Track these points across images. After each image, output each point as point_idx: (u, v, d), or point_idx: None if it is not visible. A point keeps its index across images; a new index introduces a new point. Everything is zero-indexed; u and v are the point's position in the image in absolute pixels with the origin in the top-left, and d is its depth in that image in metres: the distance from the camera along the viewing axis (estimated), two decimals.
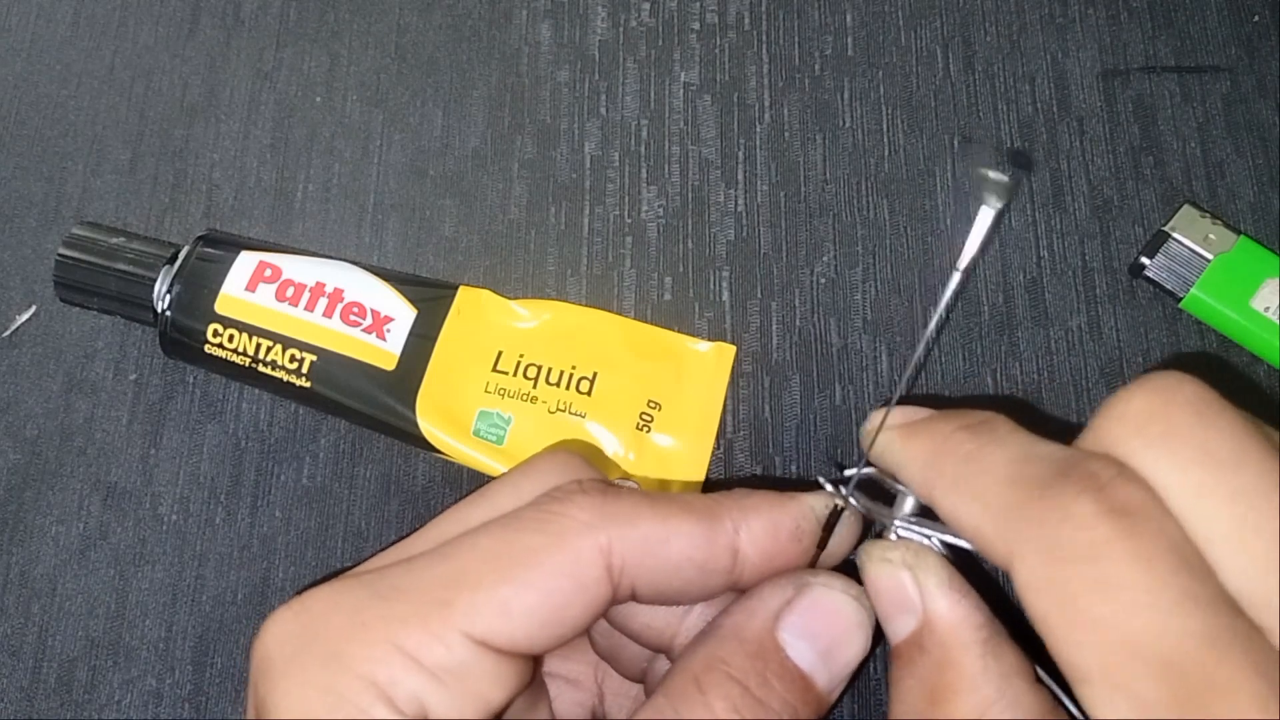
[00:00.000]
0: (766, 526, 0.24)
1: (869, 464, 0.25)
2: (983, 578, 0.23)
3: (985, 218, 0.22)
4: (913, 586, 0.23)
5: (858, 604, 0.24)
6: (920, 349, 0.24)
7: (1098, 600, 0.19)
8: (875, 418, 0.25)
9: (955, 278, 0.23)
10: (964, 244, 0.22)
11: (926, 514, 0.24)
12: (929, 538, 0.23)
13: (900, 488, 0.24)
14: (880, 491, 0.25)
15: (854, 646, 0.24)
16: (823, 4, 0.41)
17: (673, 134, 0.40)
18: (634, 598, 0.24)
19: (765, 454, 0.36)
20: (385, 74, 0.41)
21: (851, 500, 0.25)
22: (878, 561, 0.23)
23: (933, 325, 0.24)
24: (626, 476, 0.35)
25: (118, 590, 0.35)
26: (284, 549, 0.35)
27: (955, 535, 0.23)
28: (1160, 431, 0.20)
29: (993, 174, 0.21)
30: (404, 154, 0.40)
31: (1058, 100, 0.39)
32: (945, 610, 0.22)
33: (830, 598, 0.24)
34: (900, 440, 0.24)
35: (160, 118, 0.41)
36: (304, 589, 0.23)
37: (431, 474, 0.36)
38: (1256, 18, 0.40)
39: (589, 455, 0.34)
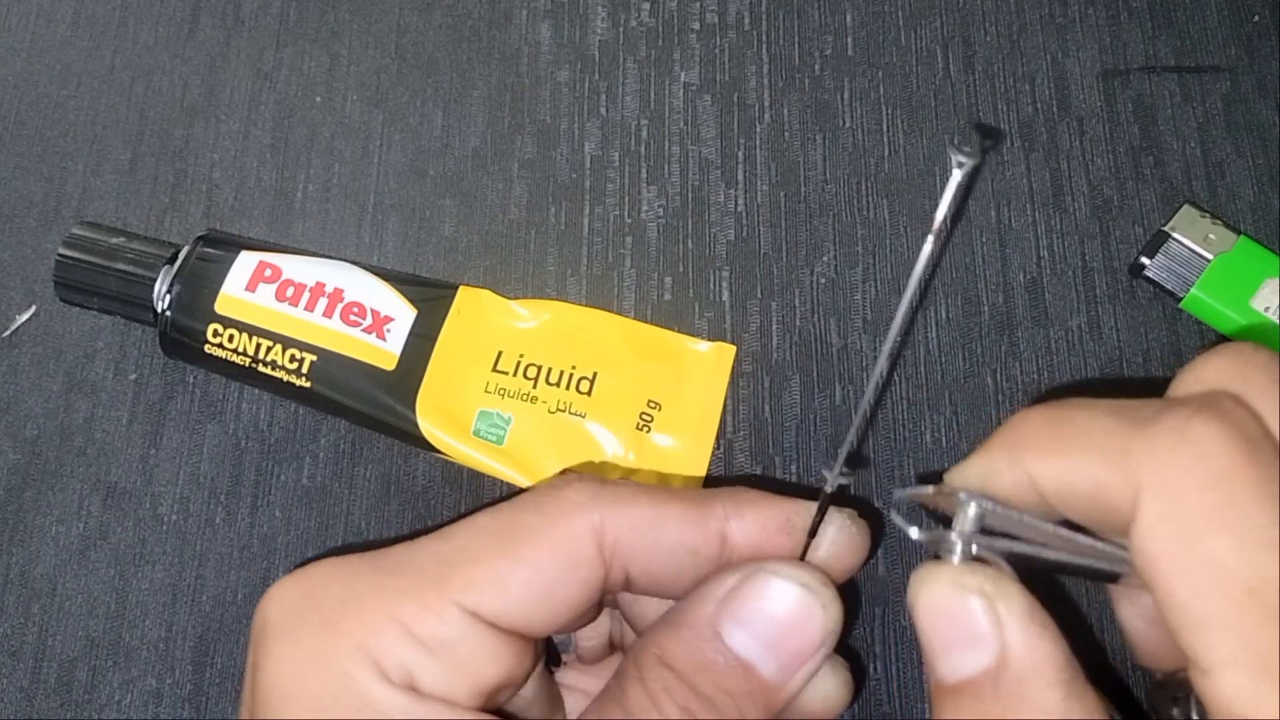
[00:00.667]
0: (757, 517, 0.24)
1: (925, 482, 0.23)
2: (1059, 606, 0.21)
3: (954, 179, 0.21)
4: (987, 617, 0.20)
5: (806, 590, 0.23)
6: (896, 325, 0.22)
7: (1223, 537, 0.17)
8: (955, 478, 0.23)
9: (929, 242, 0.22)
10: (936, 210, 0.21)
11: (987, 530, 0.22)
12: (1010, 549, 0.21)
13: (962, 497, 0.21)
14: (925, 518, 0.24)
15: (804, 635, 0.23)
16: (823, 4, 0.41)
17: (673, 134, 0.40)
18: (628, 584, 0.24)
19: (765, 454, 0.36)
20: (385, 74, 0.41)
21: (893, 514, 0.24)
22: (947, 585, 0.21)
23: (907, 298, 0.23)
24: (627, 477, 0.35)
25: (118, 590, 0.35)
26: (284, 549, 0.35)
27: (1032, 541, 0.20)
28: (1242, 383, 0.19)
29: (961, 142, 0.21)
30: (404, 154, 0.40)
31: (1058, 100, 0.39)
32: (1026, 646, 0.20)
33: (774, 585, 0.23)
34: (984, 462, 0.22)
35: (160, 118, 0.41)
36: (307, 560, 0.24)
37: (431, 474, 0.36)
38: (1256, 18, 0.40)
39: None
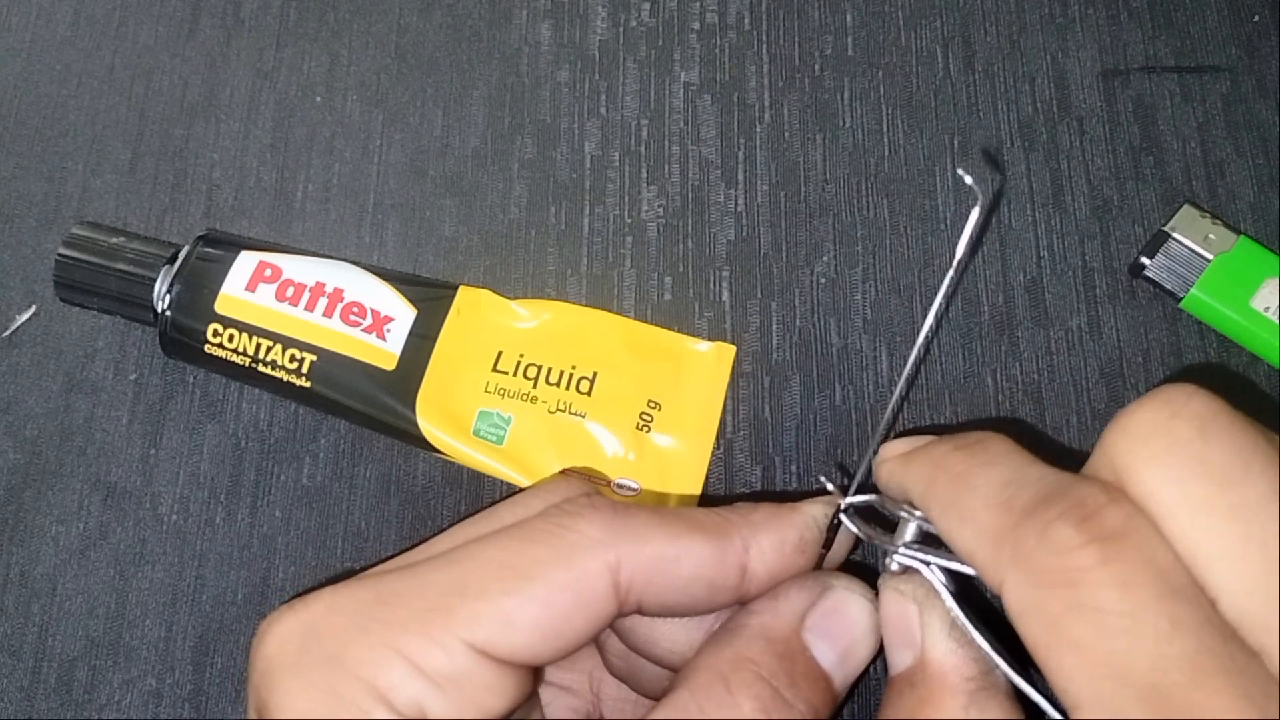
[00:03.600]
0: (774, 543, 0.25)
1: (877, 491, 0.25)
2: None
3: (974, 217, 0.22)
4: (916, 623, 0.23)
5: (873, 608, 0.24)
6: (917, 348, 0.24)
7: (1080, 626, 0.18)
8: (890, 448, 0.25)
9: (949, 276, 0.23)
10: (958, 244, 0.23)
11: (931, 541, 0.24)
12: (928, 564, 0.23)
13: (904, 514, 0.24)
14: (885, 519, 0.25)
15: (867, 649, 0.24)
16: (823, 4, 0.41)
17: (673, 134, 0.40)
18: (640, 611, 0.24)
19: (765, 454, 0.36)
20: (385, 74, 0.41)
21: (846, 520, 0.26)
22: (890, 591, 0.24)
23: (930, 321, 0.24)
24: (627, 477, 0.35)
25: (118, 590, 0.35)
26: (284, 549, 0.35)
27: (956, 560, 0.23)
28: (1163, 446, 0.19)
29: (968, 177, 0.22)
30: (404, 154, 0.40)
31: (1058, 100, 0.39)
32: (941, 654, 0.23)
33: (850, 601, 0.24)
34: (901, 465, 0.24)
35: (160, 118, 0.41)
36: (303, 592, 0.23)
37: (431, 474, 0.36)
38: (1256, 18, 0.40)
39: (592, 478, 0.34)
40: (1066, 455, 0.35)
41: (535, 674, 0.24)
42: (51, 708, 0.34)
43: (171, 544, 0.36)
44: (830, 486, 0.26)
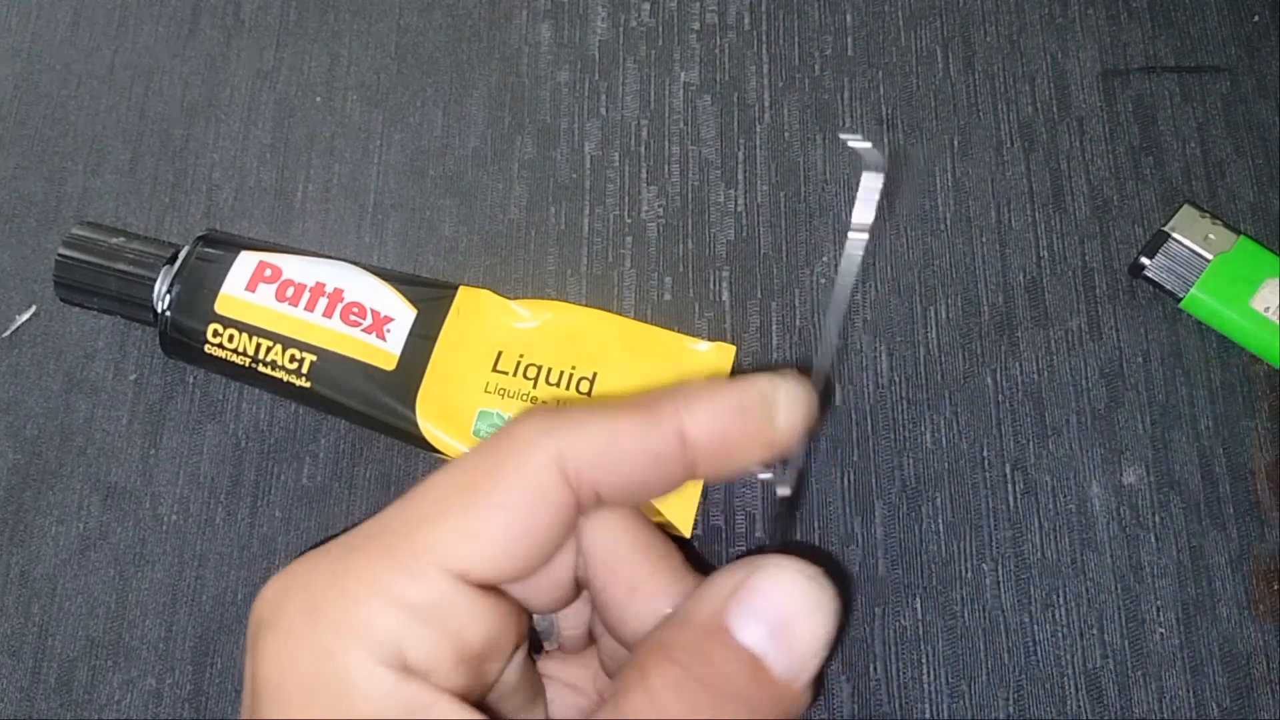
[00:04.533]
0: (709, 407, 0.24)
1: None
2: None
3: (870, 183, 0.22)
4: None
5: (813, 583, 0.23)
6: (834, 324, 0.23)
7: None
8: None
9: (851, 239, 0.23)
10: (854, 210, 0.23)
11: None
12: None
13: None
14: None
15: (810, 627, 0.23)
16: (823, 4, 0.41)
17: (673, 134, 0.40)
18: (601, 499, 0.24)
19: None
20: (385, 74, 0.41)
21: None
22: None
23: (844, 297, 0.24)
24: None
25: (118, 590, 0.35)
26: (284, 549, 0.35)
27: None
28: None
29: (856, 143, 0.21)
30: (404, 154, 0.40)
31: (1058, 100, 0.39)
32: None
33: (781, 576, 0.23)
34: None
35: (160, 118, 0.41)
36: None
37: (432, 474, 0.36)
38: (1256, 18, 0.40)
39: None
40: (1066, 455, 0.35)
41: (515, 613, 0.24)
42: (51, 708, 0.34)
43: (171, 544, 0.36)
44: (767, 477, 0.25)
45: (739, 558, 0.24)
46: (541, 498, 0.23)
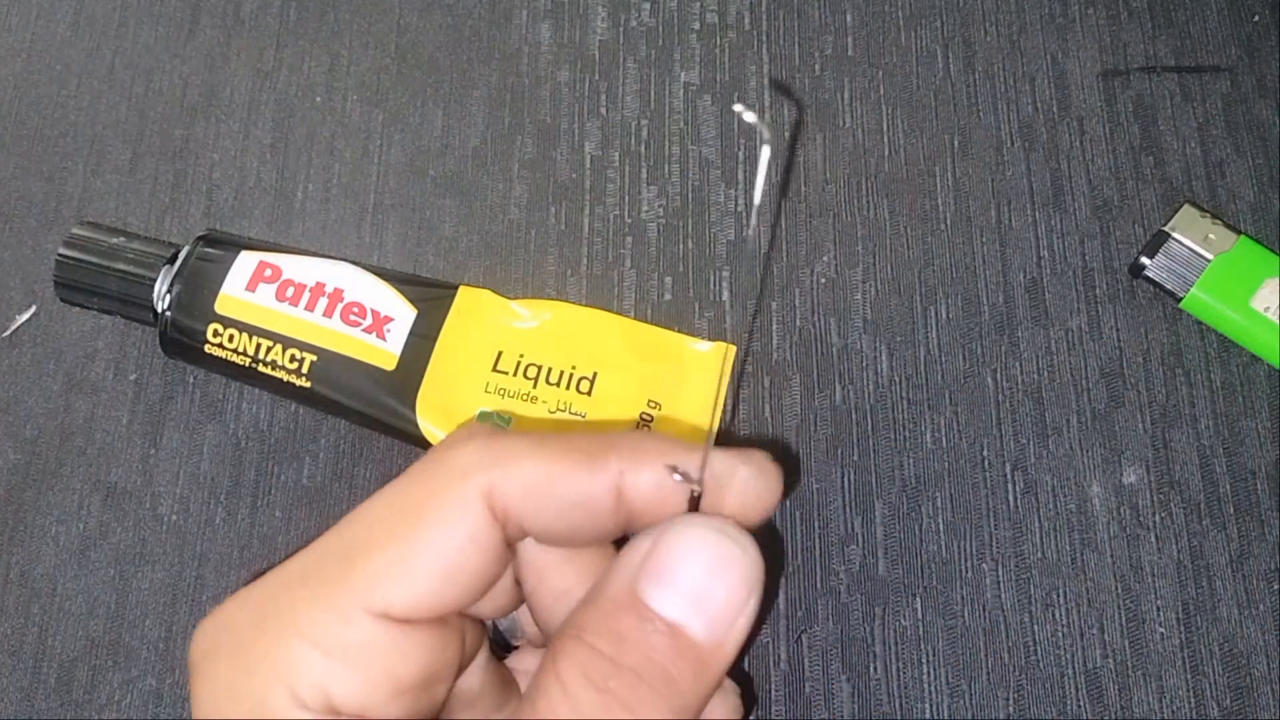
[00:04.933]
0: (653, 470, 0.23)
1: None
2: None
3: (764, 157, 0.21)
4: None
5: (726, 538, 0.22)
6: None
7: None
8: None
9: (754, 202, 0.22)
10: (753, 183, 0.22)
11: None
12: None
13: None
14: None
15: (730, 583, 0.21)
16: (823, 4, 0.41)
17: (673, 134, 0.40)
18: (527, 535, 0.23)
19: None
20: (385, 74, 0.41)
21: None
22: None
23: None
24: None
25: (118, 590, 0.35)
26: (284, 549, 0.35)
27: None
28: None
29: (749, 117, 0.21)
30: (404, 154, 0.40)
31: (1058, 100, 0.39)
32: None
33: (691, 535, 0.22)
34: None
35: (160, 117, 0.41)
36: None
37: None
38: (1257, 17, 0.40)
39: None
40: (1067, 455, 0.35)
41: (456, 637, 0.23)
42: (51, 708, 0.34)
43: (171, 544, 0.36)
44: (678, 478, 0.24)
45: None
46: (472, 537, 0.22)
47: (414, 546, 0.22)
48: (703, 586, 0.21)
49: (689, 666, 0.21)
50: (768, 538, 0.35)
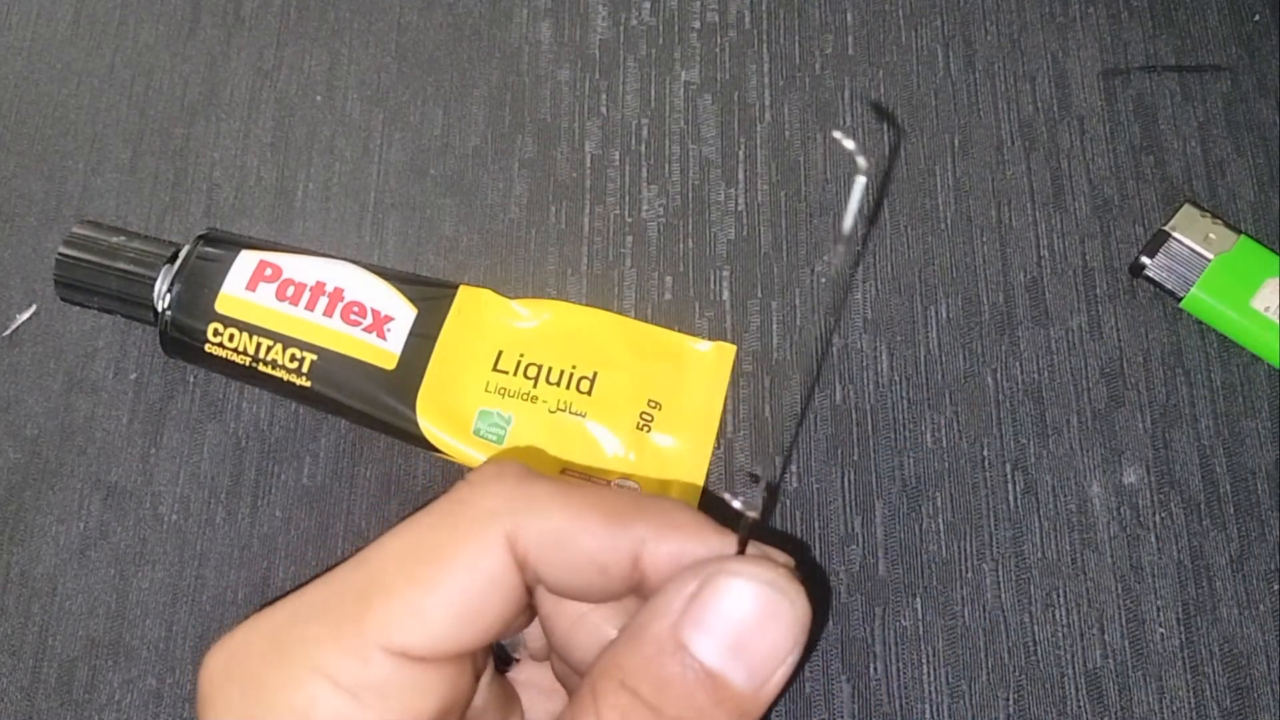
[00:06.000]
0: (675, 549, 0.23)
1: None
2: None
3: (858, 187, 0.21)
4: None
5: (772, 589, 0.21)
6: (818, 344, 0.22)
7: None
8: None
9: (839, 249, 0.22)
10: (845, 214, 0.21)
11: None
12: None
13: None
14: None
15: (773, 637, 0.21)
16: (823, 3, 0.41)
17: (673, 133, 0.40)
18: (541, 584, 0.23)
19: (765, 454, 0.36)
20: (386, 73, 0.41)
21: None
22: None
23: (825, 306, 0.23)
24: (627, 477, 0.35)
25: (118, 590, 0.35)
26: (284, 549, 0.35)
27: None
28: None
29: (848, 144, 0.21)
30: (404, 153, 0.40)
31: (1058, 99, 0.39)
32: None
33: (738, 586, 0.21)
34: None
35: (161, 116, 0.41)
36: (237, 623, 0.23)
37: (431, 474, 0.36)
38: (1257, 17, 0.40)
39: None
40: (1067, 455, 0.35)
41: (469, 669, 0.23)
42: (51, 708, 0.34)
43: (172, 544, 0.36)
44: (737, 504, 0.24)
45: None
46: (492, 581, 0.22)
47: (434, 588, 0.22)
48: (747, 636, 0.21)
49: (726, 713, 0.21)
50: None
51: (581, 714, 0.21)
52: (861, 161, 0.21)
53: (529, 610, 0.25)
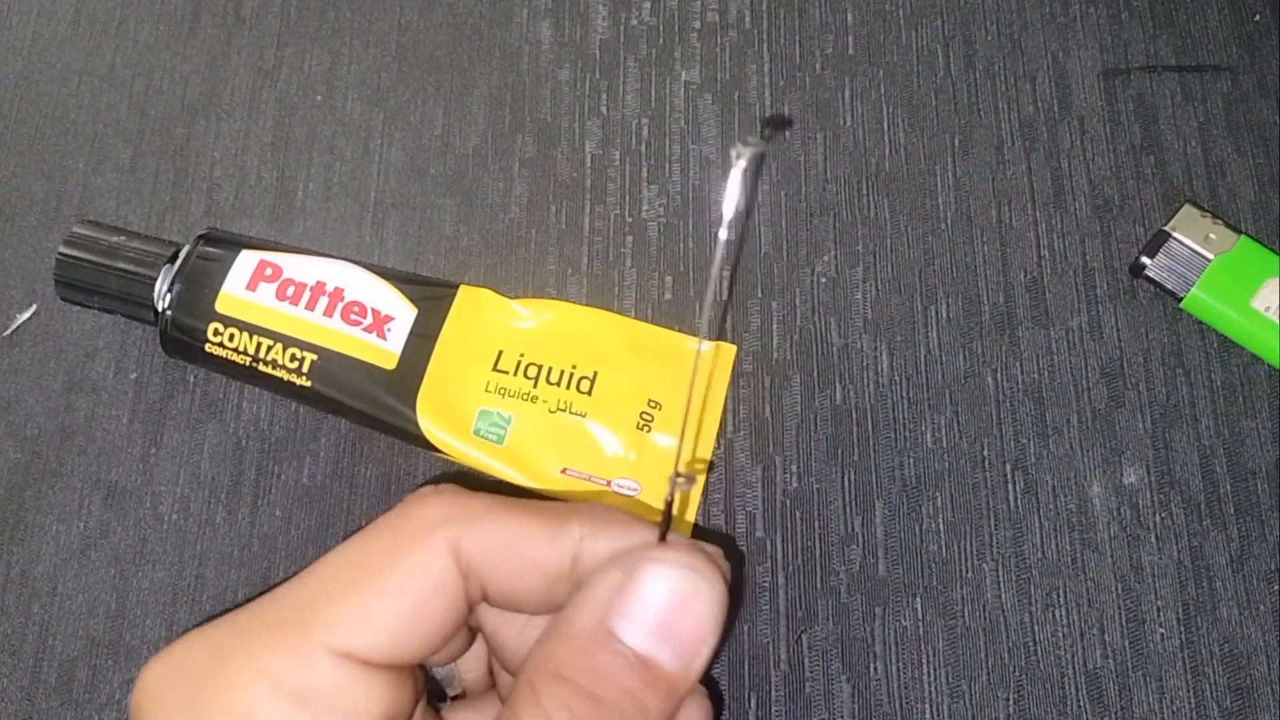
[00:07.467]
0: (610, 544, 0.24)
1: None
2: None
3: (734, 177, 0.21)
4: None
5: (691, 573, 0.23)
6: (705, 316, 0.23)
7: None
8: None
9: (720, 240, 0.23)
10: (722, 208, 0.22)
11: None
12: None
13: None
14: None
15: (696, 617, 0.23)
16: (824, 2, 0.41)
17: (673, 133, 0.40)
18: (485, 598, 0.24)
19: (765, 454, 0.36)
20: (386, 73, 0.41)
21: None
22: None
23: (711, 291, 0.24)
24: (627, 477, 0.35)
25: (118, 590, 0.35)
26: (284, 548, 0.35)
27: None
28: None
29: (745, 143, 0.21)
30: (405, 153, 0.40)
31: (1059, 99, 0.39)
32: None
33: (660, 573, 0.23)
34: None
35: (161, 116, 0.41)
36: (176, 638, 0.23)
37: (432, 474, 0.36)
38: (1257, 17, 0.40)
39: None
40: (1067, 455, 0.35)
41: (411, 682, 0.23)
42: (51, 708, 0.34)
43: (172, 543, 0.36)
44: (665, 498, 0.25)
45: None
46: (434, 586, 0.22)
47: (379, 593, 0.22)
48: (671, 620, 0.23)
49: (658, 694, 0.22)
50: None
51: (523, 708, 0.22)
52: (735, 153, 0.21)
53: (469, 632, 0.26)
